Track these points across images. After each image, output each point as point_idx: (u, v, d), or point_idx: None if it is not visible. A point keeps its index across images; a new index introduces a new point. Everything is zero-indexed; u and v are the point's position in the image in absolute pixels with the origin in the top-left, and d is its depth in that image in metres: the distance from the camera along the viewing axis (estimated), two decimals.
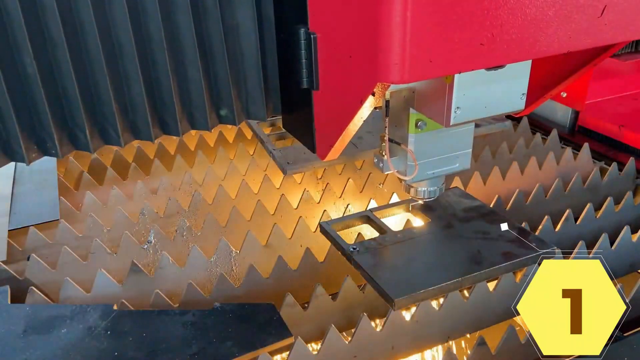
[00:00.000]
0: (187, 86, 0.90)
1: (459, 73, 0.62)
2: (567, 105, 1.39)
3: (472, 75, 0.68)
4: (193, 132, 1.38)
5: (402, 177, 0.84)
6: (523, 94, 0.73)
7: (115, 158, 1.29)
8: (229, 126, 1.40)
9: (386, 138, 0.81)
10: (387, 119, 0.80)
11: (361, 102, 0.68)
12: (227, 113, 0.93)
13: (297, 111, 0.88)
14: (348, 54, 0.65)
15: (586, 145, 1.24)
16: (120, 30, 0.83)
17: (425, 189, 0.90)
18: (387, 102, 0.79)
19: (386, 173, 0.87)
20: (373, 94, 0.66)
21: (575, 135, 1.40)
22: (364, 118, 0.71)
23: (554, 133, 1.32)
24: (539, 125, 1.45)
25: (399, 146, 0.83)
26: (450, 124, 0.70)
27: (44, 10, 0.79)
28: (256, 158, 1.24)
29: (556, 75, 0.85)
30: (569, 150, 1.22)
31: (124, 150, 1.31)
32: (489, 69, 0.67)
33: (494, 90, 0.71)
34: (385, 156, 0.83)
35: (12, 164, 1.12)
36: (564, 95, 1.36)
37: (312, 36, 0.72)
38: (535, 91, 0.88)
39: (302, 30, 0.73)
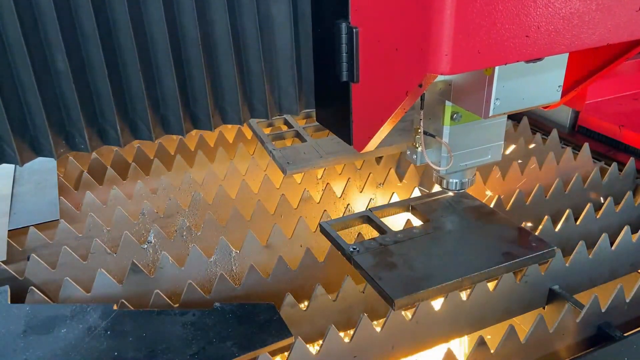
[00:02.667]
0: (220, 81, 0.92)
1: (504, 64, 0.64)
2: (567, 105, 1.39)
3: (512, 68, 0.70)
4: (193, 132, 1.38)
5: (436, 167, 0.86)
6: (559, 86, 0.75)
7: (115, 158, 1.29)
8: (229, 126, 1.40)
9: (421, 130, 0.82)
10: (421, 112, 0.81)
11: (407, 94, 0.69)
12: (259, 107, 0.95)
13: (334, 105, 0.89)
14: (393, 46, 0.67)
15: (586, 145, 1.24)
16: (155, 26, 0.85)
17: (457, 180, 0.91)
18: (422, 95, 0.80)
19: (419, 165, 0.89)
20: (420, 86, 0.67)
21: (575, 135, 1.40)
22: (407, 110, 0.72)
23: (554, 133, 1.31)
24: (540, 125, 1.45)
25: (433, 138, 0.84)
26: (490, 115, 0.71)
27: (77, 8, 0.80)
28: (256, 158, 1.23)
29: (587, 69, 0.87)
30: (569, 150, 1.22)
31: (123, 150, 1.31)
32: (528, 61, 0.69)
33: (531, 82, 0.72)
34: (420, 148, 0.84)
35: (12, 165, 1.12)
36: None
37: (353, 30, 0.73)
38: (567, 84, 0.88)
39: (344, 25, 0.75)
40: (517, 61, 0.63)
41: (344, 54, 0.78)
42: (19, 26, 0.78)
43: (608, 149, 1.32)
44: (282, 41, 0.91)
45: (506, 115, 0.84)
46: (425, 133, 0.84)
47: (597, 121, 1.35)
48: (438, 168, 0.86)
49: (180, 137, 1.34)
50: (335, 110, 0.89)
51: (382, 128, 0.77)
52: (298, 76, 0.93)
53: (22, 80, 0.82)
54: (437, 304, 0.82)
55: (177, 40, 0.87)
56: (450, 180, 0.91)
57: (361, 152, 0.84)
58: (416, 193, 1.09)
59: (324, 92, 0.91)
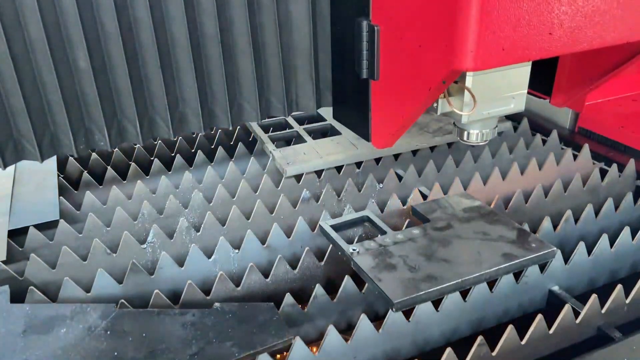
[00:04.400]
0: (238, 78, 0.95)
1: (528, 61, 0.69)
2: (567, 107, 1.38)
3: None
4: (193, 133, 1.38)
5: (459, 112, 0.83)
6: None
7: (114, 158, 1.29)
8: (230, 127, 1.41)
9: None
10: None
11: (430, 90, 0.71)
12: (277, 104, 0.99)
13: (353, 102, 0.90)
14: (417, 43, 0.68)
15: (586, 146, 1.24)
16: (175, 25, 0.87)
17: (478, 131, 0.90)
18: None
19: (440, 113, 0.87)
20: (444, 82, 0.69)
21: (575, 135, 1.40)
22: (428, 106, 0.74)
23: (554, 134, 1.32)
24: (540, 127, 1.45)
25: (454, 85, 0.82)
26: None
27: (99, 6, 0.82)
28: (256, 158, 1.23)
29: (601, 68, 0.90)
30: (569, 152, 1.22)
31: (123, 150, 1.32)
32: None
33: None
34: (445, 97, 0.83)
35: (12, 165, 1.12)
36: None
37: (375, 28, 0.75)
38: (581, 83, 0.96)
39: (365, 23, 0.76)
40: (541, 58, 0.65)
41: (365, 52, 0.79)
42: (41, 25, 0.80)
43: (608, 150, 1.32)
44: (300, 39, 0.92)
45: (530, 63, 0.83)
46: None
47: (597, 122, 1.35)
48: (461, 113, 0.83)
49: (179, 137, 1.35)
50: (354, 107, 0.90)
51: (402, 123, 0.79)
52: (315, 74, 0.95)
53: (43, 78, 0.85)
54: (437, 305, 0.82)
55: (196, 38, 0.89)
56: (471, 131, 0.89)
57: (380, 148, 0.86)
58: (416, 194, 1.09)
59: (343, 90, 0.93)
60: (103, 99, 0.88)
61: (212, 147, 1.33)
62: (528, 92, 0.91)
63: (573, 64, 1.04)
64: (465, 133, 0.91)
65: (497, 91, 0.84)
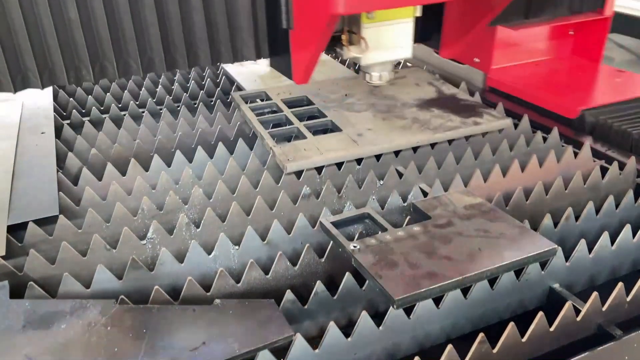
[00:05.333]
0: (194, 32, 1.25)
1: (389, 8, 1.04)
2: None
3: None
4: (194, 129, 1.37)
5: (357, 55, 1.16)
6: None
7: (114, 154, 1.28)
8: (230, 123, 1.41)
9: (346, 29, 1.15)
10: (347, 17, 1.14)
11: (321, 32, 1.00)
12: (225, 53, 1.30)
13: (280, 49, 1.22)
14: None
15: (587, 144, 1.24)
16: None
17: (378, 74, 1.25)
18: None
19: (345, 58, 1.24)
20: (328, 25, 0.97)
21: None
22: (324, 45, 1.06)
23: (555, 132, 1.32)
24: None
25: (354, 35, 1.15)
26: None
27: None
28: (256, 155, 1.23)
29: (475, 19, 1.35)
30: (569, 149, 1.22)
31: (123, 146, 1.31)
32: None
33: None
34: (345, 44, 1.16)
35: (12, 159, 1.13)
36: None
37: None
38: (462, 35, 1.44)
39: None
40: (400, 6, 0.96)
41: (283, 7, 1.05)
42: None
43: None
44: (243, 2, 1.24)
45: (412, 19, 1.19)
46: (349, 31, 1.15)
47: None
48: (358, 56, 1.15)
49: (180, 132, 1.34)
50: (281, 55, 1.20)
51: (309, 62, 1.11)
52: (255, 29, 1.27)
53: (44, 27, 1.15)
54: (438, 302, 0.82)
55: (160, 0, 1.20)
56: (373, 73, 1.24)
57: (299, 84, 1.21)
58: (417, 191, 1.09)
59: (274, 41, 1.24)
60: (88, 44, 1.19)
61: (212, 142, 1.33)
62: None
63: (454, 20, 1.47)
64: (368, 75, 1.24)
65: (387, 40, 1.16)
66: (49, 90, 1.59)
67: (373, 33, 1.13)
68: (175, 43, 1.24)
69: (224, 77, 1.79)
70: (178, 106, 1.58)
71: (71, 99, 1.62)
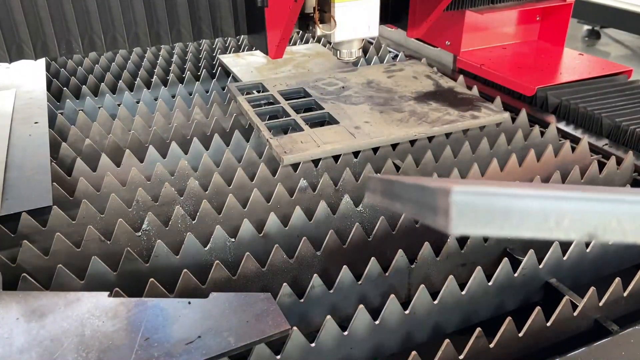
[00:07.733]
0: (177, 11, 1.35)
1: None
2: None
3: None
4: (189, 120, 1.36)
5: (327, 32, 1.24)
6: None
7: (109, 144, 1.27)
8: (226, 114, 1.40)
9: (316, 7, 1.23)
10: None
11: (290, 9, 1.13)
12: (206, 30, 1.39)
13: (257, 27, 1.32)
14: None
15: (585, 139, 1.24)
16: None
17: (347, 50, 1.33)
18: None
19: (317, 35, 1.31)
20: (296, 1, 1.09)
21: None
22: (294, 22, 1.19)
23: (552, 127, 1.31)
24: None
25: (326, 14, 1.24)
26: None
27: None
28: (253, 147, 1.22)
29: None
30: (567, 144, 1.22)
31: (117, 136, 1.30)
32: None
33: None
34: (316, 23, 1.24)
35: (4, 149, 1.12)
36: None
37: None
38: (426, 16, 1.50)
39: None
40: None
41: None
42: None
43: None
44: None
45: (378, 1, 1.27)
46: (319, 10, 1.23)
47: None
48: (328, 33, 1.23)
49: (175, 124, 1.33)
50: (258, 32, 1.30)
51: (281, 38, 1.21)
52: (234, 8, 1.36)
53: (37, 1, 1.23)
54: (435, 296, 0.82)
55: None
56: (343, 50, 1.32)
57: (273, 59, 1.34)
58: None
59: (252, 19, 1.34)
60: (78, 19, 1.27)
61: (208, 134, 1.32)
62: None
63: (419, 2, 1.54)
64: (338, 52, 1.33)
65: (356, 19, 1.24)
66: (42, 80, 1.57)
67: (343, 12, 1.22)
68: (159, 19, 1.33)
69: (219, 67, 1.78)
70: (173, 96, 1.57)
71: (65, 88, 1.60)
